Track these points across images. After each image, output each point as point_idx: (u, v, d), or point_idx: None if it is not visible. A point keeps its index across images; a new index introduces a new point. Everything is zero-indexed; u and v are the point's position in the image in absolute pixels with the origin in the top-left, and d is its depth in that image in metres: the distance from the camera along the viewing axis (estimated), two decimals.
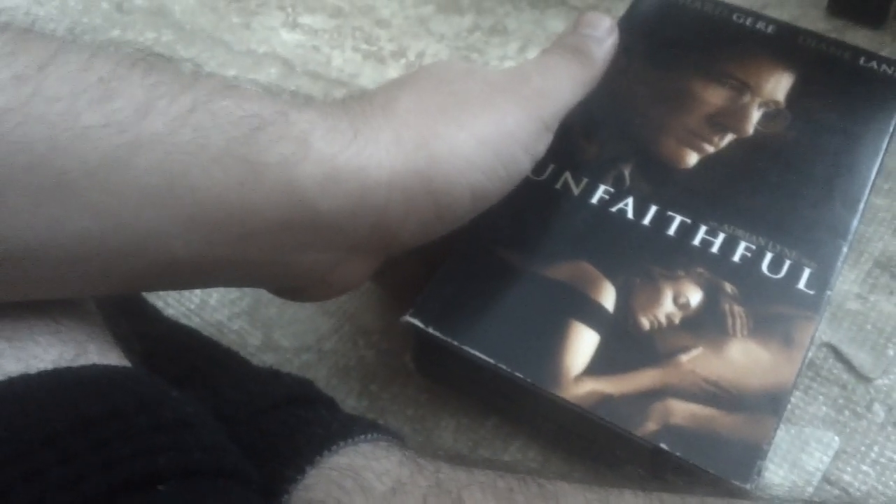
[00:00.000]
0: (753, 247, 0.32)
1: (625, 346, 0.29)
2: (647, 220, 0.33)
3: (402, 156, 0.25)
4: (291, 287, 0.27)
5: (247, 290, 0.38)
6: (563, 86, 0.30)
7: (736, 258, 0.32)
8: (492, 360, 0.29)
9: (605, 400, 0.28)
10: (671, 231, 0.32)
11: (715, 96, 0.37)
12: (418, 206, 0.25)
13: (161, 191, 0.21)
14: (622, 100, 0.36)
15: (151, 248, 0.22)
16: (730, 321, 0.30)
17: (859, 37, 0.47)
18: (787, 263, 0.32)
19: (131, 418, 0.21)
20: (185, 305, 0.38)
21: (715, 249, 0.32)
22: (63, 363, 0.21)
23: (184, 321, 0.36)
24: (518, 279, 0.31)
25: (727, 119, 0.36)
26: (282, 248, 0.24)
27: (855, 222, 0.33)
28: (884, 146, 0.36)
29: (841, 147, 0.35)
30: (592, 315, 0.30)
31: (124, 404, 0.21)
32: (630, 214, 0.33)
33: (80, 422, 0.20)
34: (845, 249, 0.32)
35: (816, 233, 0.33)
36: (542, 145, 0.29)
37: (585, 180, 0.34)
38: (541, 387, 0.28)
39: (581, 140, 0.35)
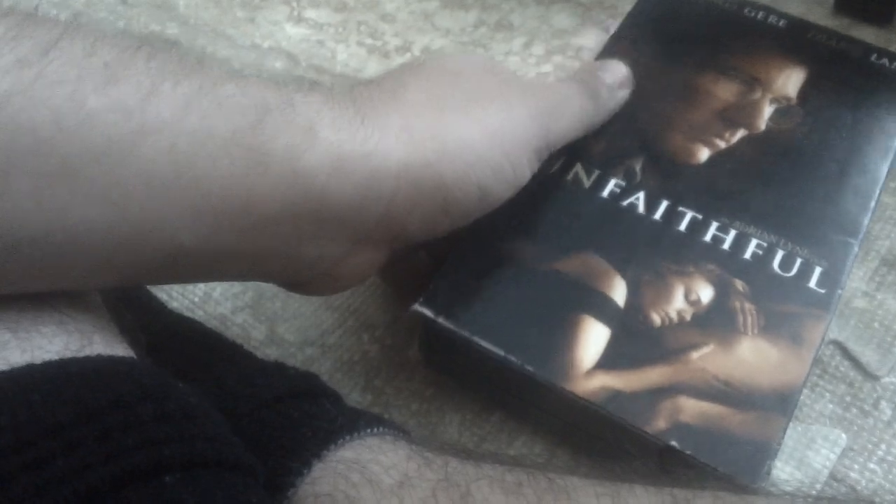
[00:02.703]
0: (764, 244, 0.32)
1: (635, 341, 0.29)
2: (657, 215, 0.32)
3: (412, 146, 0.25)
4: (298, 280, 0.27)
5: (251, 283, 0.38)
6: (572, 115, 0.30)
7: (747, 255, 0.31)
8: (501, 353, 0.29)
9: (615, 396, 0.28)
10: (682, 226, 0.32)
11: (726, 91, 0.37)
12: (427, 198, 0.25)
13: (167, 179, 0.21)
14: (633, 93, 0.36)
15: (157, 236, 0.21)
16: (740, 319, 0.30)
17: (865, 34, 0.47)
18: (799, 261, 0.31)
19: (135, 409, 0.21)
20: (188, 299, 0.37)
21: (726, 246, 0.32)
22: (68, 354, 0.21)
23: (187, 314, 0.36)
24: (528, 271, 0.31)
25: (738, 115, 0.36)
26: (289, 239, 0.24)
27: (866, 220, 0.33)
28: (895, 144, 0.35)
29: (852, 144, 0.35)
30: (603, 309, 0.30)
31: (128, 395, 0.21)
32: (641, 209, 0.33)
33: (85, 412, 0.20)
34: (856, 248, 0.32)
35: (827, 231, 0.32)
36: (539, 161, 0.29)
37: (597, 173, 0.34)
38: (550, 381, 0.28)
39: (592, 132, 0.35)
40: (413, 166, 0.24)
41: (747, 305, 0.30)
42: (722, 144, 0.35)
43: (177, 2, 0.52)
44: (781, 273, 0.31)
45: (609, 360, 0.29)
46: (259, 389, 0.28)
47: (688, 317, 0.30)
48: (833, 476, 0.31)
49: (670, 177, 0.34)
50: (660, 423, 0.27)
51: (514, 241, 0.32)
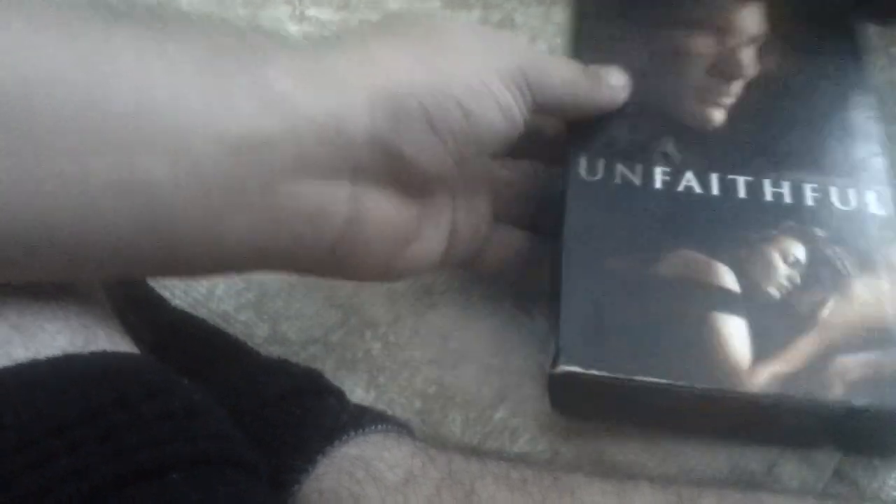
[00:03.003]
0: (817, 185, 0.32)
1: (771, 320, 0.28)
2: (715, 191, 0.32)
3: (376, 65, 0.24)
4: (321, 253, 0.26)
5: (253, 280, 0.38)
6: (559, 73, 0.29)
7: (810, 202, 0.31)
8: (666, 381, 0.27)
9: (787, 380, 0.27)
10: (741, 194, 0.32)
11: (703, 46, 0.36)
12: (407, 113, 0.24)
13: (138, 125, 0.21)
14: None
15: (135, 179, 0.21)
16: (840, 264, 0.30)
17: (870, 33, 0.46)
18: (852, 192, 0.32)
19: (139, 406, 0.21)
20: (191, 296, 0.37)
21: (788, 199, 0.31)
22: (72, 350, 0.21)
23: (190, 312, 0.36)
24: (636, 286, 0.30)
25: (727, 66, 0.35)
26: (276, 170, 0.23)
27: (881, 129, 0.33)
28: (861, 50, 0.36)
29: (835, 62, 0.35)
30: (726, 301, 0.29)
31: (132, 393, 0.21)
32: (697, 189, 0.32)
33: (89, 410, 0.20)
34: (886, 159, 0.33)
35: (858, 154, 0.33)
36: (524, 100, 0.28)
37: (640, 167, 0.33)
38: (724, 391, 0.27)
39: (612, 127, 0.34)
40: (382, 79, 0.24)
41: (837, 249, 0.30)
42: (730, 101, 0.34)
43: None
44: (844, 208, 0.31)
45: (762, 349, 0.28)
46: (262, 387, 0.28)
47: (798, 279, 0.29)
48: (837, 474, 0.31)
49: (704, 148, 0.33)
50: (837, 391, 0.27)
51: (611, 259, 0.30)
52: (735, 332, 0.28)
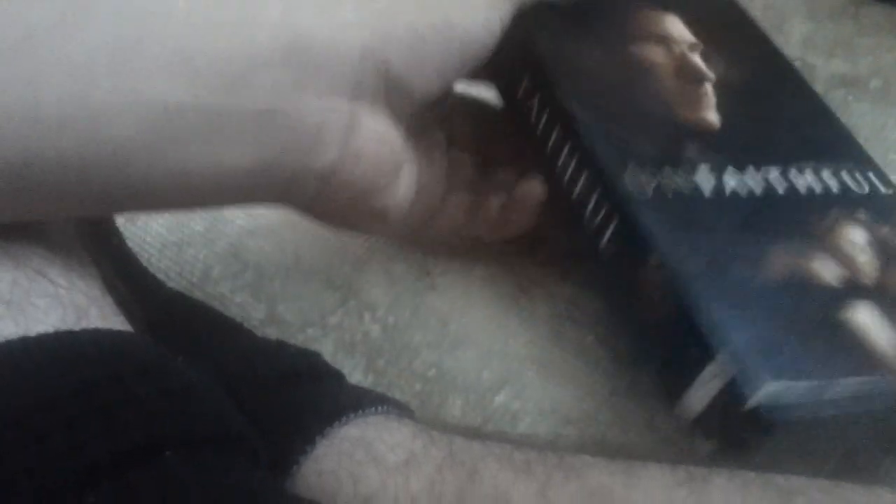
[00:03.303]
0: (831, 172, 0.32)
1: (884, 305, 0.28)
2: (758, 190, 0.31)
3: None
4: (323, 171, 0.25)
5: (250, 262, 0.37)
6: None
7: (835, 189, 0.31)
8: (868, 377, 0.25)
9: None
10: (782, 189, 0.31)
11: (658, 56, 0.35)
12: (398, 28, 0.25)
13: (141, 48, 0.21)
14: (606, 87, 0.34)
15: (142, 99, 0.21)
16: (893, 242, 0.30)
17: (878, 13, 0.46)
18: (858, 175, 0.32)
19: (135, 384, 0.20)
20: (186, 279, 0.37)
21: (818, 190, 0.31)
22: (64, 327, 0.21)
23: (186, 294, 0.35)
24: (767, 296, 0.28)
25: (687, 71, 0.35)
26: (277, 90, 0.23)
27: (836, 116, 0.34)
28: (779, 53, 0.37)
29: (767, 65, 0.36)
30: (845, 293, 0.28)
31: (127, 370, 0.21)
32: (743, 190, 0.31)
33: (84, 387, 0.19)
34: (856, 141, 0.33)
35: (839, 141, 0.33)
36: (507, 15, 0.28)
37: (680, 173, 0.31)
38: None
39: (631, 137, 0.33)
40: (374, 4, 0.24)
41: (885, 229, 0.30)
42: (713, 102, 0.34)
43: None
44: (861, 191, 0.31)
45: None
46: (260, 370, 0.27)
47: (876, 262, 0.29)
48: (845, 456, 0.31)
49: (721, 149, 0.32)
50: None
51: (717, 275, 0.28)
52: (874, 320, 0.27)
